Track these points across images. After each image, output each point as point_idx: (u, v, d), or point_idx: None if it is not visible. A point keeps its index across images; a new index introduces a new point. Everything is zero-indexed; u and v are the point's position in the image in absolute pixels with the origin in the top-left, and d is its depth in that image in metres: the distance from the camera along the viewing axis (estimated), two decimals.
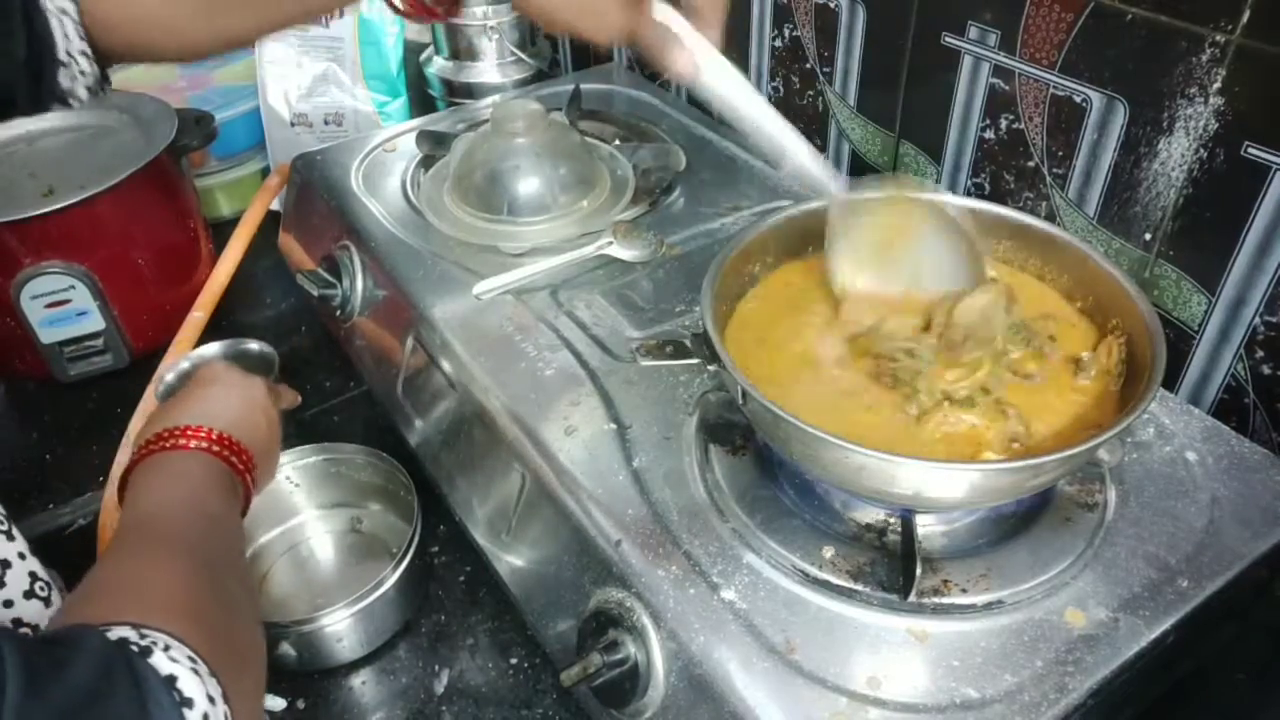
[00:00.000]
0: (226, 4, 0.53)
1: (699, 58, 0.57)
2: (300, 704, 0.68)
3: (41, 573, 0.48)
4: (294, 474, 0.79)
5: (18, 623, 0.46)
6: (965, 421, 0.55)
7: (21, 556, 0.47)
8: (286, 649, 0.67)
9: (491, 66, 1.24)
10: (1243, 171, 0.64)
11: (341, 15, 1.04)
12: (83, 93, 0.54)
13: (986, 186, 0.83)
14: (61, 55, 0.50)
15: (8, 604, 0.46)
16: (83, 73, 0.52)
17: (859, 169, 0.97)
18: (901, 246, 0.64)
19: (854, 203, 0.63)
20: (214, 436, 0.57)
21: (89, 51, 0.51)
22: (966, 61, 0.80)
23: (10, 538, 0.46)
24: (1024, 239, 0.65)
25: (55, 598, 0.50)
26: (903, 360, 0.58)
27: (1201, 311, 0.70)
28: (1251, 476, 0.61)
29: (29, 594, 0.47)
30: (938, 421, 0.55)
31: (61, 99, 0.54)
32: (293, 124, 1.16)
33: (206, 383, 0.63)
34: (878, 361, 0.59)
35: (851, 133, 0.96)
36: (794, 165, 0.61)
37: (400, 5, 0.55)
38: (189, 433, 0.56)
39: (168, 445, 0.56)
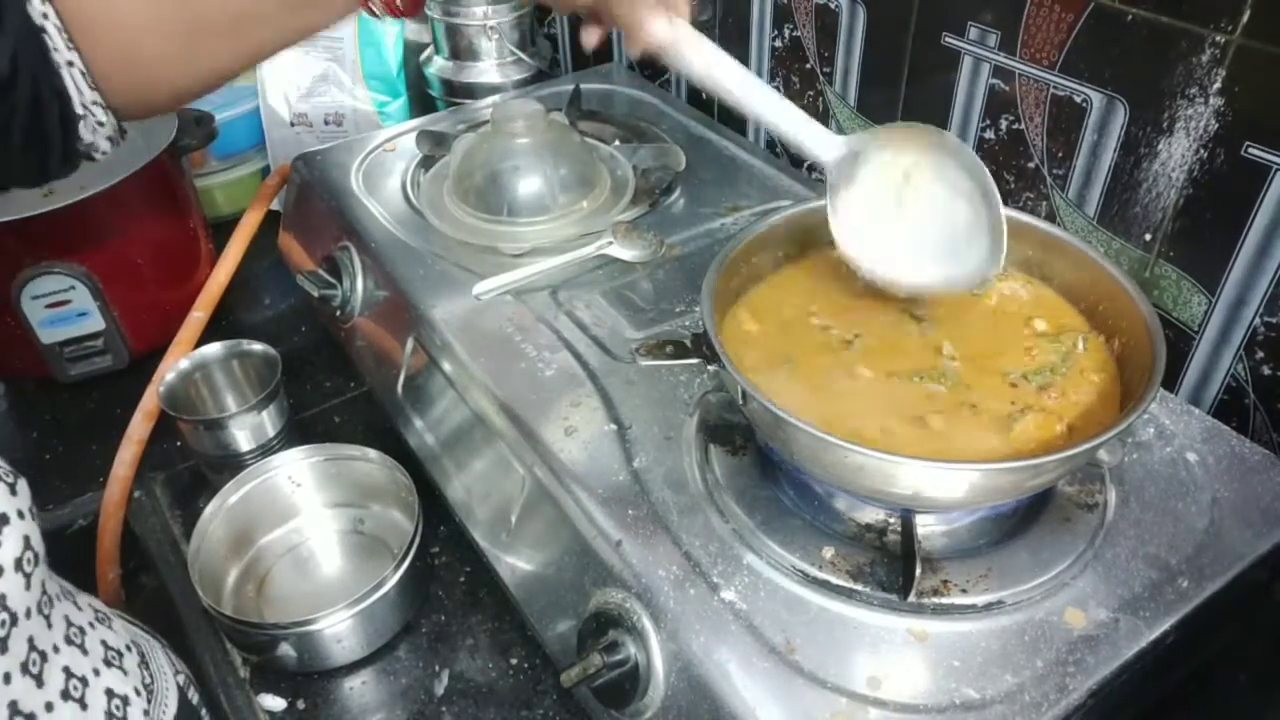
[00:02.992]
0: (203, 38, 0.53)
1: (677, 29, 0.57)
2: (300, 704, 0.68)
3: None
4: (295, 474, 0.79)
5: None
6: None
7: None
8: (286, 649, 0.67)
9: (491, 66, 1.24)
10: (1243, 171, 0.64)
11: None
12: (104, 144, 0.54)
13: None
14: (78, 108, 0.50)
15: None
16: (100, 124, 0.52)
17: None
18: (909, 189, 0.62)
19: (853, 154, 0.61)
20: None
21: (100, 101, 0.51)
22: (966, 62, 0.80)
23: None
24: (1024, 239, 0.65)
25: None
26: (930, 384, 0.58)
27: (1202, 312, 0.70)
28: (1252, 477, 0.61)
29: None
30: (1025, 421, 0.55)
31: (87, 154, 0.54)
32: (293, 124, 1.16)
33: None
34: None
35: (851, 133, 0.95)
36: (784, 131, 0.60)
37: (376, 9, 0.55)
38: None
39: None
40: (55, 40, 0.48)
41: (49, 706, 0.45)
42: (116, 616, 0.56)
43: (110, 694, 0.50)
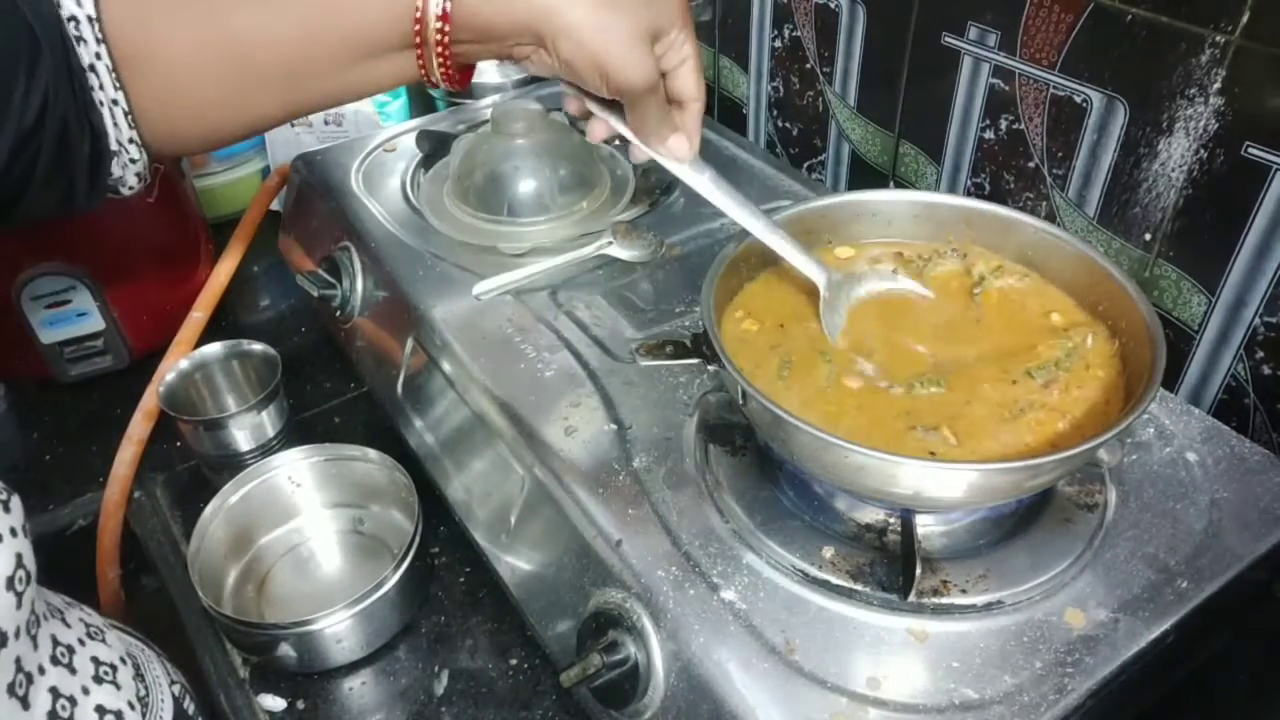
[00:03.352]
0: (253, 86, 0.53)
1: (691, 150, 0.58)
2: (300, 704, 0.68)
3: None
4: (295, 474, 0.79)
5: None
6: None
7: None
8: (286, 649, 0.67)
9: (491, 66, 1.24)
10: (1243, 172, 0.64)
11: None
12: (133, 180, 0.54)
13: (986, 187, 0.83)
14: (113, 144, 0.51)
15: None
16: (133, 160, 0.52)
17: (859, 169, 0.97)
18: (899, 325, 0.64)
19: (847, 279, 0.64)
20: None
21: (137, 139, 0.51)
22: (966, 62, 0.80)
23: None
24: (1024, 239, 0.65)
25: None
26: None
27: (1201, 312, 0.70)
28: (1252, 477, 0.61)
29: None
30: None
31: (114, 189, 0.54)
32: (292, 124, 1.16)
33: None
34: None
35: (851, 133, 0.96)
36: (782, 254, 0.62)
37: (434, 78, 0.55)
38: None
39: None
40: (103, 79, 0.49)
41: None
42: (110, 628, 0.56)
43: (101, 711, 0.50)
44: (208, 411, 0.87)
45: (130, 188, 0.55)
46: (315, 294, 0.87)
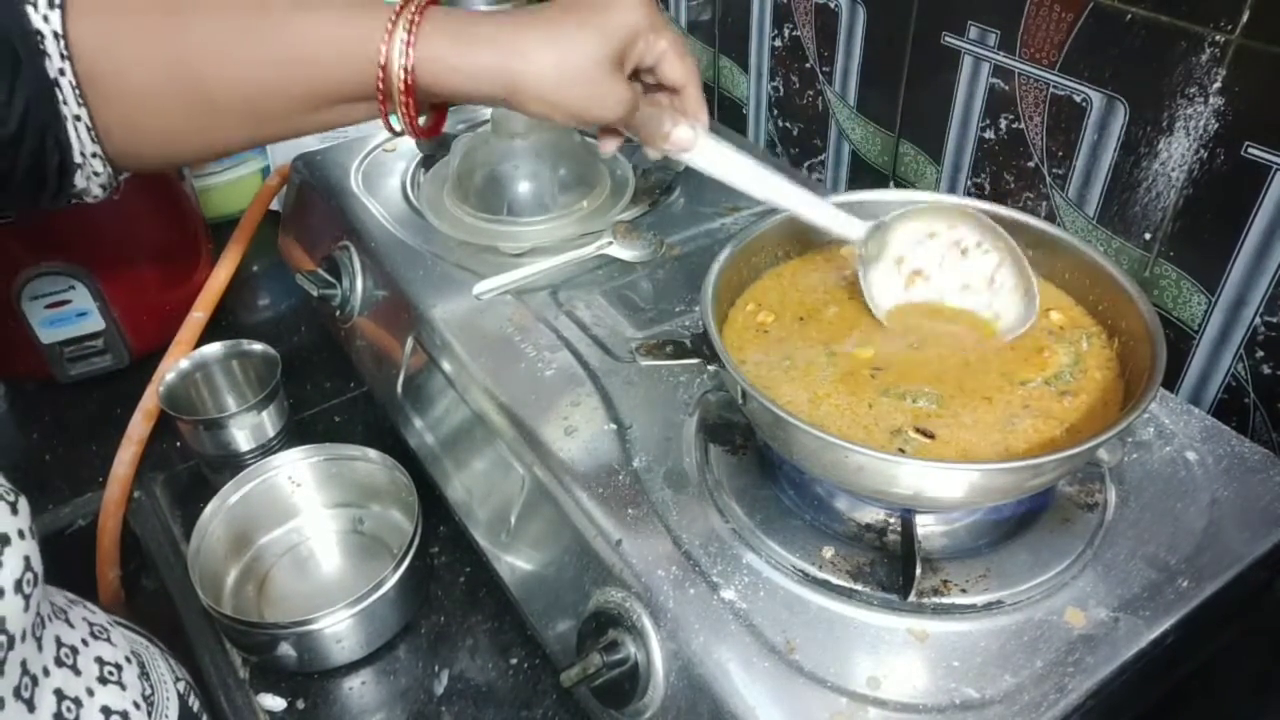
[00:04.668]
0: (216, 119, 0.52)
1: (699, 135, 0.58)
2: (300, 704, 0.68)
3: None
4: (295, 474, 0.79)
5: None
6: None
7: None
8: (286, 649, 0.67)
9: None
10: (1243, 171, 0.64)
11: None
12: (97, 190, 0.54)
13: (986, 186, 0.83)
14: (77, 157, 0.51)
15: None
16: (96, 173, 0.52)
17: (859, 169, 0.97)
18: (940, 249, 0.64)
19: (881, 226, 0.63)
20: None
21: (101, 154, 0.51)
22: (966, 61, 0.80)
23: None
24: (1024, 239, 0.65)
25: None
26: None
27: (1201, 311, 0.70)
28: (1252, 477, 0.61)
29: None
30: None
31: (79, 197, 0.54)
32: None
33: None
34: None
35: (851, 133, 0.96)
36: (811, 217, 0.61)
37: (397, 127, 0.55)
38: None
39: None
40: (66, 94, 0.48)
41: None
42: (115, 626, 0.56)
43: (107, 712, 0.50)
44: (208, 411, 0.87)
45: (95, 197, 0.54)
46: (315, 294, 0.87)
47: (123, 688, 0.52)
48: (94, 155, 0.51)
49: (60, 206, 0.54)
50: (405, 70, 0.50)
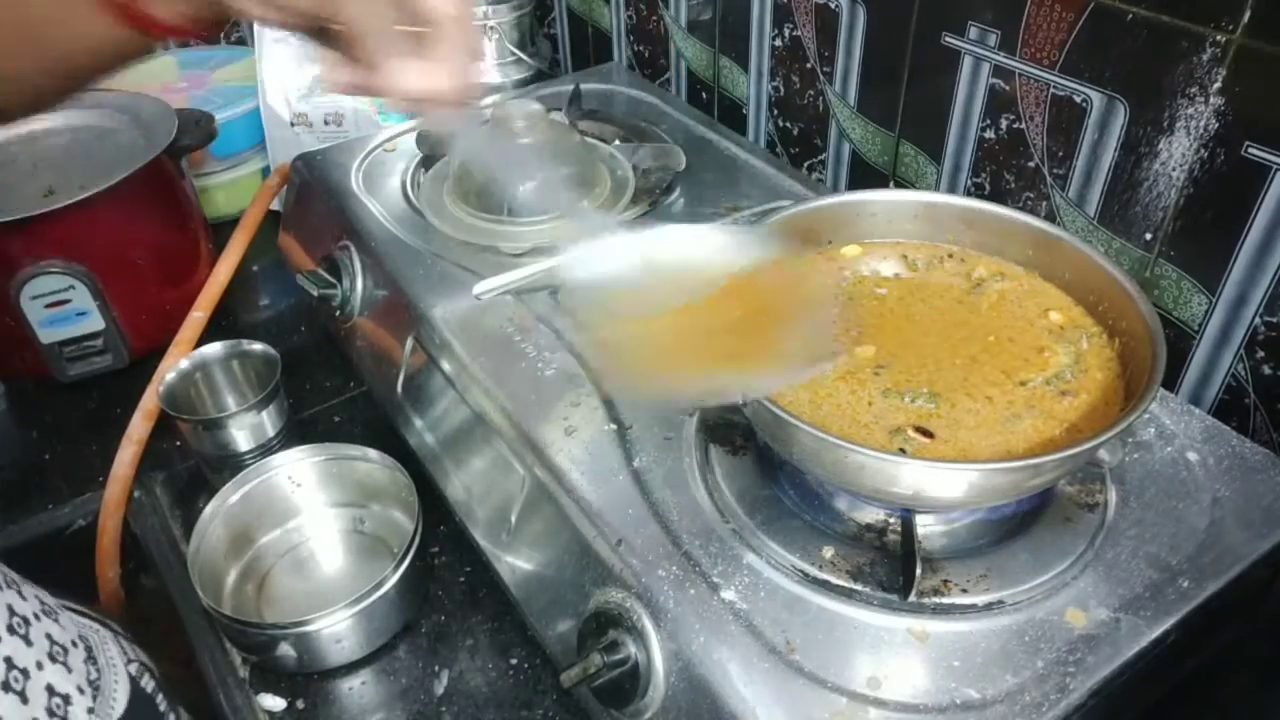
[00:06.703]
0: None
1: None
2: (300, 704, 0.68)
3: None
4: (295, 474, 0.79)
5: None
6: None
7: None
8: (286, 649, 0.67)
9: (491, 66, 1.24)
10: (1243, 171, 0.64)
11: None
12: None
13: (986, 186, 0.83)
14: None
15: None
16: None
17: (859, 169, 0.97)
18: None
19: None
20: None
21: None
22: (967, 61, 0.80)
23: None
24: (1024, 239, 0.65)
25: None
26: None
27: (1202, 311, 0.70)
28: (1252, 477, 0.61)
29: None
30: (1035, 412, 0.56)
31: None
32: (293, 124, 1.16)
33: None
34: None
35: (852, 133, 0.95)
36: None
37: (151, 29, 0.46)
38: None
39: None
40: None
41: None
42: (63, 609, 0.55)
43: (51, 690, 0.49)
44: (208, 411, 0.87)
45: None
46: (315, 294, 0.87)
47: (68, 670, 0.51)
48: None
49: None
50: None
